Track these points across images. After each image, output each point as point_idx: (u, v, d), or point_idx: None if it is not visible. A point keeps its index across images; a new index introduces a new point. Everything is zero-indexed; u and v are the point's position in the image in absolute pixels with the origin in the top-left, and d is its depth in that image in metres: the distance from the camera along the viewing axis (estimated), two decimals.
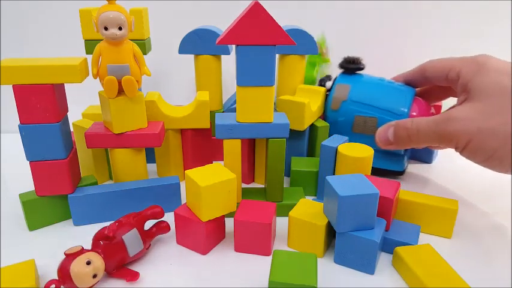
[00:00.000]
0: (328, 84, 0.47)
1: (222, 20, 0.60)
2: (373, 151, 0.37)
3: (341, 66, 0.47)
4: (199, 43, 0.44)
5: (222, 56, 0.47)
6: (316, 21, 0.58)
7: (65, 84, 0.35)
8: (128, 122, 0.38)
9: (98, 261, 0.29)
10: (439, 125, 0.36)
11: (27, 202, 0.36)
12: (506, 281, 0.31)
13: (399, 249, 0.32)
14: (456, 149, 0.36)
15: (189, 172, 0.33)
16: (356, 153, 0.37)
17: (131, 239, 0.31)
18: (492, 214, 0.40)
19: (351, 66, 0.46)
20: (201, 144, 0.46)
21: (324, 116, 0.48)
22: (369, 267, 0.31)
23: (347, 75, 0.47)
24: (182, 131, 0.45)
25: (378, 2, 0.59)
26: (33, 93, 0.33)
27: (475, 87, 0.36)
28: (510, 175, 0.36)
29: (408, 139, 0.38)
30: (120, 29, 0.34)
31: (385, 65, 0.50)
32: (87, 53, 0.42)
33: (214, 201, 0.32)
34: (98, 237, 0.30)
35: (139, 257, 0.32)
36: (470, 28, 0.60)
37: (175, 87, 0.58)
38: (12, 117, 0.46)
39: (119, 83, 0.36)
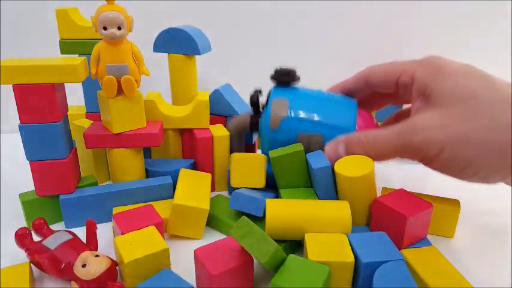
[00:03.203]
0: (263, 99, 0.41)
1: (220, 20, 0.60)
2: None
3: (274, 78, 0.41)
4: (172, 42, 0.44)
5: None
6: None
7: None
8: (127, 122, 0.38)
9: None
10: (403, 136, 0.33)
11: (27, 202, 0.36)
12: (507, 280, 0.31)
13: (404, 252, 0.31)
14: (422, 160, 0.33)
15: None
16: (357, 170, 0.33)
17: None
18: (493, 214, 0.40)
19: (286, 78, 0.40)
20: None
21: (258, 135, 0.42)
22: None
23: (281, 89, 0.40)
24: (182, 131, 0.45)
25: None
26: (34, 93, 0.33)
27: (437, 91, 0.32)
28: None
29: (363, 153, 0.35)
30: (119, 28, 0.34)
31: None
32: (62, 53, 0.42)
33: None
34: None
35: None
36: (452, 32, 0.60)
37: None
38: (12, 117, 0.46)
39: (118, 82, 0.36)
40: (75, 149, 0.38)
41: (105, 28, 0.34)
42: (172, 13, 0.59)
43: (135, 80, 0.36)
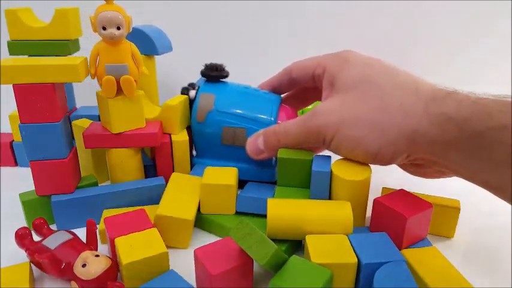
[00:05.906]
0: (192, 93, 0.43)
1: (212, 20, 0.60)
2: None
3: (203, 74, 0.43)
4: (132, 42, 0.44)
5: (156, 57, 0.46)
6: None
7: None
8: (126, 122, 0.38)
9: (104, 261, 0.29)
10: (306, 122, 0.36)
11: (27, 202, 0.36)
12: (507, 280, 0.31)
13: (404, 252, 0.31)
14: (324, 143, 0.35)
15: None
16: (356, 175, 0.34)
17: None
18: (493, 214, 0.40)
19: (214, 73, 0.42)
20: None
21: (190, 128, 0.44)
22: None
23: (210, 84, 0.43)
24: None
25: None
26: (34, 93, 0.33)
27: (340, 79, 0.35)
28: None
29: (278, 143, 0.37)
30: (118, 28, 0.34)
31: None
32: (10, 54, 0.42)
33: None
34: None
35: None
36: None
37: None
38: None
39: (117, 82, 0.36)
40: (75, 149, 0.38)
41: (104, 28, 0.34)
42: (172, 13, 0.59)
43: (134, 80, 0.36)
